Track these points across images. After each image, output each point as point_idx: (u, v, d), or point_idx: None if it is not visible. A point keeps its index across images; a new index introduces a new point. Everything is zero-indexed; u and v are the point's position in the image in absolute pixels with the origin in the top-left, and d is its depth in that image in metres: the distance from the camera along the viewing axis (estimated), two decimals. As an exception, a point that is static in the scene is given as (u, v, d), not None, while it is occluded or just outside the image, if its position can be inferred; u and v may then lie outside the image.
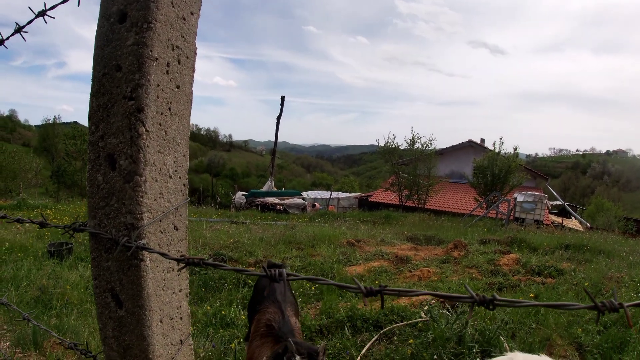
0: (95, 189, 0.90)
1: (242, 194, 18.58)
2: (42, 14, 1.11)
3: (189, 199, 1.01)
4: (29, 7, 1.12)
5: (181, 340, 1.00)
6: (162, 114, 0.88)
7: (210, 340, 3.26)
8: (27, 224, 1.71)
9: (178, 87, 0.92)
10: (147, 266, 0.87)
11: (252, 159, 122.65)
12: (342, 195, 26.67)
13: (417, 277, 5.29)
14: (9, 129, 75.31)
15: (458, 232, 9.28)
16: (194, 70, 0.98)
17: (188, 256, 0.84)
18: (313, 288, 4.51)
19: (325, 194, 25.94)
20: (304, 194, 24.10)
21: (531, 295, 4.23)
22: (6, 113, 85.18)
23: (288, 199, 17.69)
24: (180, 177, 0.97)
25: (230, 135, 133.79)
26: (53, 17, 1.12)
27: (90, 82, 0.91)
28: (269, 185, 20.66)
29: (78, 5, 1.03)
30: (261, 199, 17.30)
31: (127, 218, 0.85)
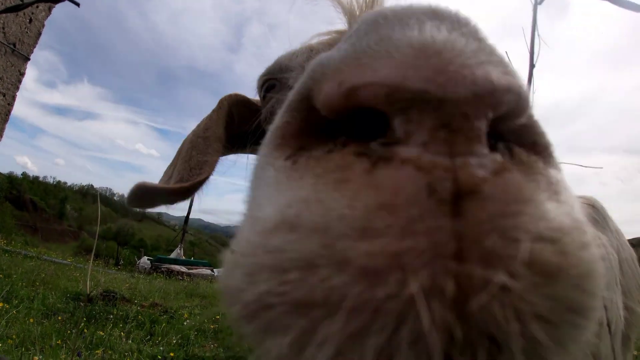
0: None
1: (148, 259, 17.84)
2: None
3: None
4: None
5: None
6: None
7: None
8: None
9: None
10: None
11: (164, 232, 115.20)
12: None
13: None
14: None
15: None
16: None
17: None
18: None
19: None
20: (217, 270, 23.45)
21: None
22: None
23: (196, 268, 17.25)
24: None
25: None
26: None
27: None
28: (177, 253, 20.02)
29: None
30: (167, 265, 16.70)
31: None
